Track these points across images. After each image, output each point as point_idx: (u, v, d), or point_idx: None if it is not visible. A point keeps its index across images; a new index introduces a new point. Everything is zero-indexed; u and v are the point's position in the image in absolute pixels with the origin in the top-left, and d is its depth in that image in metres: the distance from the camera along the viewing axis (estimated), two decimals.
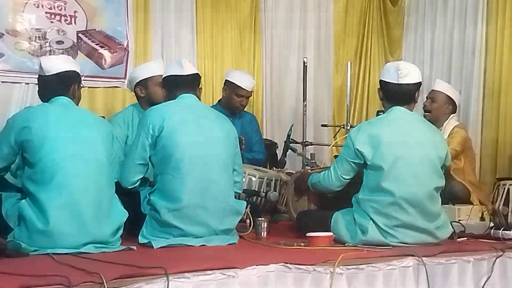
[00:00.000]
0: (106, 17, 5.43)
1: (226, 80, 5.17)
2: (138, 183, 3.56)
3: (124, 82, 5.43)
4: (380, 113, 4.68)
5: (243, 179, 3.98)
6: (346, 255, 3.00)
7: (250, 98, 5.33)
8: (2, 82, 5.01)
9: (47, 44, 5.17)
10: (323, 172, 3.75)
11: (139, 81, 4.35)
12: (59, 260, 2.82)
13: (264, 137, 5.75)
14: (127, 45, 5.50)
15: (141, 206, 3.54)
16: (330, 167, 3.77)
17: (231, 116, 4.75)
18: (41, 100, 3.46)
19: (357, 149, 3.50)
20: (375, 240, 3.43)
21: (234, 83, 5.06)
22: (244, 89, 5.05)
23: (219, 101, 5.28)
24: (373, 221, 3.45)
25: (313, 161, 4.93)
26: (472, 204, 4.44)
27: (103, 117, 4.10)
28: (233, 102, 5.08)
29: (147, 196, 3.51)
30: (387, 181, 3.44)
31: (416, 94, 3.66)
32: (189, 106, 3.64)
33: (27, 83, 5.05)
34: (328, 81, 6.50)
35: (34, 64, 5.01)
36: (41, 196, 3.05)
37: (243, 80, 5.06)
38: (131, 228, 3.44)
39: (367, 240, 3.44)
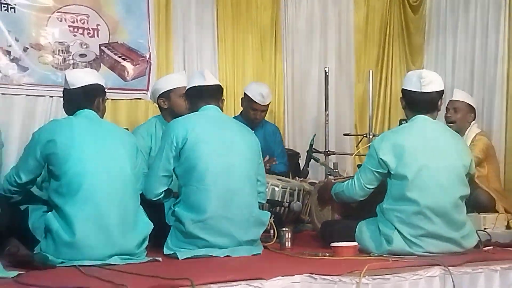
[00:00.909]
0: (128, 30, 5.46)
1: (244, 92, 5.21)
2: (162, 194, 3.58)
3: (146, 94, 5.48)
4: (402, 122, 4.65)
5: (266, 189, 3.98)
6: (372, 265, 2.98)
7: (270, 109, 5.33)
8: (27, 95, 5.05)
9: (71, 57, 5.22)
10: (347, 181, 3.74)
11: (162, 93, 4.36)
12: (85, 272, 2.85)
13: (286, 147, 5.75)
14: (149, 57, 5.52)
15: (165, 218, 3.55)
16: (353, 176, 3.76)
17: (253, 127, 4.75)
18: (66, 113, 3.49)
19: (380, 158, 3.49)
20: (400, 250, 3.41)
21: (249, 96, 5.08)
22: (257, 103, 5.04)
23: (241, 112, 5.30)
24: (398, 231, 3.43)
25: (336, 170, 4.91)
26: (498, 212, 4.40)
27: (127, 129, 4.14)
28: (249, 114, 5.10)
29: (172, 207, 3.52)
30: (412, 191, 3.42)
31: (439, 102, 3.64)
32: (212, 118, 3.65)
33: (51, 96, 5.09)
34: (350, 90, 6.49)
35: (58, 77, 5.09)
36: (67, 209, 3.07)
37: (256, 94, 5.05)
38: (156, 240, 3.45)
39: (392, 250, 3.42)
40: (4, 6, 4.92)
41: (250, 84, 5.29)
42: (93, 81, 3.42)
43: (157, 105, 4.51)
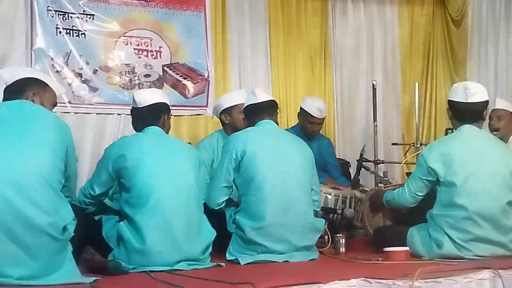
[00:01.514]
0: (188, 51, 5.53)
1: (300, 106, 5.16)
2: (223, 204, 3.61)
3: (206, 110, 5.54)
4: (448, 131, 4.59)
5: (320, 197, 3.97)
6: (424, 269, 2.93)
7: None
8: (97, 114, 5.17)
9: (136, 77, 5.31)
10: (397, 189, 3.71)
11: (225, 109, 4.38)
12: (155, 277, 2.89)
13: (337, 156, 5.71)
14: (208, 75, 5.57)
15: (227, 225, 3.57)
16: (403, 184, 3.72)
17: (308, 139, 4.75)
18: (135, 130, 3.54)
19: (429, 166, 3.44)
20: (450, 254, 3.35)
21: (306, 111, 5.03)
22: (314, 116, 5.00)
23: (297, 124, 5.26)
24: (448, 236, 3.37)
25: (386, 178, 4.86)
26: None
27: (189, 143, 4.18)
28: (306, 128, 5.07)
29: (233, 215, 3.55)
30: (460, 197, 3.36)
31: (484, 112, 3.59)
32: (268, 131, 3.68)
33: (119, 114, 5.21)
34: (396, 102, 6.43)
35: (125, 96, 5.20)
36: (137, 218, 3.11)
37: (313, 108, 4.99)
38: (219, 246, 3.47)
39: (442, 254, 3.37)
40: (75, 33, 5.06)
41: (306, 98, 5.23)
42: (158, 100, 3.48)
43: (219, 120, 4.54)
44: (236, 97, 4.37)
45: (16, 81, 3.05)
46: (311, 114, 4.98)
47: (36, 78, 3.12)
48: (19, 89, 3.02)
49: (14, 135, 2.76)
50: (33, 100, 3.02)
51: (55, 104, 3.22)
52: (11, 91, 3.02)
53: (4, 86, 3.07)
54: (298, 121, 5.22)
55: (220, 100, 4.55)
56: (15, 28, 4.89)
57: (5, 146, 2.71)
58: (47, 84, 3.14)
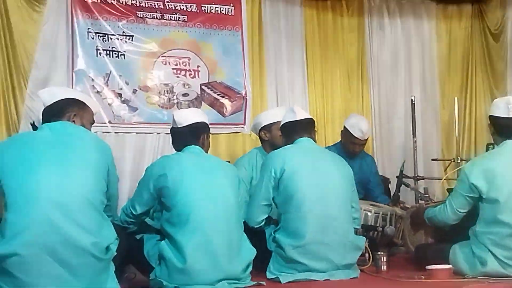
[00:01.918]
0: (225, 69, 5.58)
1: (344, 125, 5.05)
2: (263, 222, 3.61)
3: (243, 127, 5.57)
4: (490, 147, 4.52)
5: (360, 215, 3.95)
6: (468, 287, 2.89)
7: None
8: (137, 133, 5.23)
9: (175, 97, 5.37)
10: (439, 206, 3.66)
11: (264, 126, 4.38)
12: None
13: None
14: (245, 93, 5.61)
15: (267, 244, 3.57)
16: (445, 201, 3.67)
17: (351, 157, 4.72)
18: (175, 149, 3.55)
19: (472, 183, 3.39)
20: (494, 272, 3.30)
21: (348, 131, 4.93)
22: (356, 137, 4.90)
23: (340, 142, 5.15)
24: (492, 253, 3.32)
25: (427, 195, 4.79)
26: None
27: (228, 161, 4.19)
28: (348, 147, 4.98)
29: (272, 234, 3.54)
30: (504, 214, 3.31)
31: None
32: (306, 149, 3.67)
33: (158, 133, 5.27)
34: (435, 117, 6.36)
35: (164, 116, 5.26)
36: (178, 237, 3.12)
37: (357, 130, 4.87)
38: (259, 264, 3.47)
39: (486, 272, 3.31)
40: (115, 54, 5.15)
41: (351, 117, 5.09)
42: (198, 119, 3.50)
43: (257, 137, 4.55)
44: (276, 114, 4.35)
45: (55, 102, 3.07)
46: (353, 135, 4.90)
47: (75, 99, 3.15)
48: (60, 110, 3.04)
49: (58, 157, 2.79)
50: (74, 121, 3.05)
51: (93, 122, 3.25)
52: (51, 113, 3.04)
53: (43, 107, 3.10)
54: (341, 138, 5.15)
55: (259, 117, 4.55)
56: (57, 50, 5.00)
57: (49, 168, 2.74)
58: (85, 104, 3.17)
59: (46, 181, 2.70)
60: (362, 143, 4.99)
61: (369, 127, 5.05)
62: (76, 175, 2.77)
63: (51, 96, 3.10)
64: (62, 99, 3.09)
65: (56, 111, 3.03)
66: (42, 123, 3.03)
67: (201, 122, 3.52)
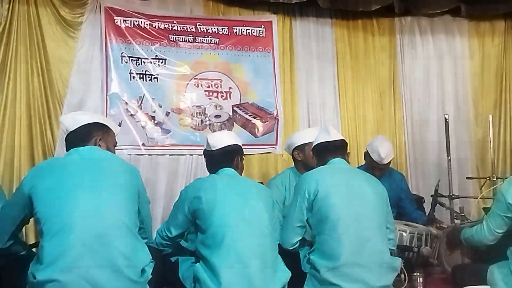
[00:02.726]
0: (257, 90, 5.64)
1: (366, 148, 5.02)
2: (297, 244, 3.57)
3: (275, 148, 5.60)
4: None
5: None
6: None
7: (394, 157, 5.21)
8: (170, 155, 5.30)
9: (207, 118, 5.44)
10: (476, 226, 3.62)
11: (297, 146, 4.37)
12: None
13: (411, 192, 5.61)
14: (277, 114, 5.65)
15: (301, 265, 3.55)
16: (481, 221, 3.63)
17: (379, 176, 4.68)
18: (209, 172, 3.60)
19: (509, 203, 3.35)
20: None
21: (369, 154, 4.90)
22: (375, 161, 4.84)
23: (365, 164, 5.11)
24: None
25: (463, 214, 4.73)
26: None
27: (261, 183, 4.21)
28: (370, 170, 4.92)
29: (307, 255, 3.52)
30: None
31: None
32: (340, 170, 3.65)
33: (191, 155, 5.33)
34: (469, 135, 6.29)
35: (197, 138, 5.33)
36: (213, 259, 3.13)
37: (375, 154, 4.82)
38: (294, 286, 3.44)
39: None
40: (148, 77, 5.25)
41: (373, 142, 5.00)
42: (231, 142, 3.54)
43: (289, 157, 4.55)
44: (309, 135, 4.34)
45: (80, 127, 3.09)
46: (372, 159, 4.86)
47: (99, 123, 3.18)
48: (85, 135, 3.07)
49: (90, 182, 2.82)
50: (99, 145, 3.09)
51: (115, 144, 3.27)
52: (77, 138, 3.06)
53: (67, 133, 3.12)
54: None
55: (293, 137, 4.55)
56: (91, 74, 5.12)
57: (83, 193, 2.78)
58: (108, 127, 3.21)
59: (81, 206, 2.74)
60: (382, 167, 4.88)
61: (391, 151, 4.91)
62: (109, 199, 2.81)
63: (74, 121, 3.12)
64: (86, 124, 3.11)
65: (81, 136, 3.06)
66: (67, 148, 3.07)
67: (235, 145, 3.56)
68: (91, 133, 3.09)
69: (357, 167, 4.96)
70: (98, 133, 3.12)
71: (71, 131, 3.10)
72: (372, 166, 4.86)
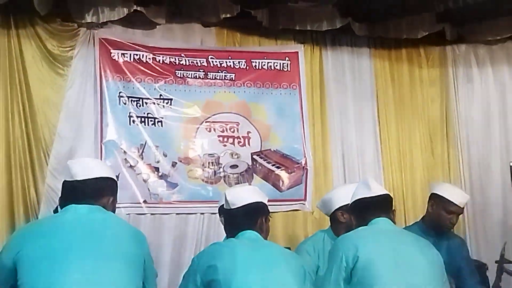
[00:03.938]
0: (280, 134, 5.73)
1: (433, 193, 4.87)
2: None
3: (304, 204, 5.65)
4: None
5: None
6: None
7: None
8: (177, 214, 5.36)
9: (221, 169, 5.51)
10: None
11: (344, 205, 4.24)
12: None
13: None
14: (305, 163, 5.71)
15: None
16: None
17: (436, 238, 4.68)
18: (227, 235, 3.63)
19: None
20: None
21: (445, 198, 4.75)
22: (456, 205, 4.72)
23: (422, 218, 4.96)
24: None
25: None
26: None
27: (288, 248, 4.22)
28: (442, 219, 4.77)
29: None
30: None
31: None
32: (384, 232, 3.64)
33: (202, 213, 5.39)
34: None
35: (209, 192, 5.39)
36: None
37: (454, 195, 4.74)
38: None
39: None
40: (151, 121, 5.36)
41: (440, 184, 5.00)
42: (255, 199, 3.54)
43: (325, 217, 4.51)
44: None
45: (91, 180, 3.08)
46: (452, 202, 4.72)
47: (114, 180, 3.23)
48: (96, 191, 3.08)
49: (87, 250, 2.84)
50: (108, 207, 3.10)
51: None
52: (81, 191, 3.04)
53: (70, 180, 3.08)
54: (425, 215, 5.08)
55: (336, 193, 4.44)
56: (83, 118, 5.23)
57: (77, 264, 2.80)
58: (117, 184, 3.27)
59: (73, 279, 2.76)
60: (461, 213, 4.84)
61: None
62: (108, 272, 2.83)
63: (85, 170, 3.11)
64: (100, 178, 3.12)
65: (90, 191, 3.05)
66: (63, 200, 3.08)
67: (259, 202, 3.55)
68: (104, 191, 3.12)
69: (410, 226, 4.96)
70: (111, 191, 3.17)
71: (78, 181, 3.07)
72: (450, 212, 4.75)
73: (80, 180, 3.07)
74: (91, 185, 3.08)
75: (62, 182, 3.16)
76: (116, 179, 3.27)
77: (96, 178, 3.11)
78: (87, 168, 3.14)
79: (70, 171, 3.11)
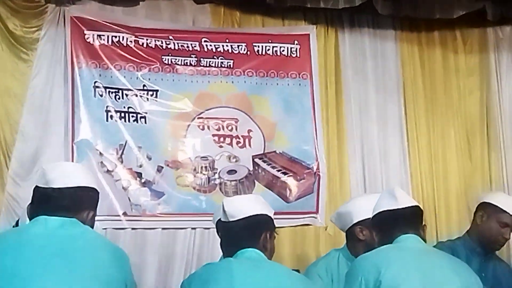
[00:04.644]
0: (288, 133, 5.75)
1: (483, 202, 4.88)
2: None
3: (316, 217, 5.67)
4: None
5: None
6: None
7: None
8: (163, 228, 5.37)
9: (216, 175, 5.52)
10: None
11: (363, 220, 4.26)
12: None
13: None
14: (317, 168, 5.73)
15: None
16: None
17: (485, 257, 4.67)
18: (223, 254, 3.62)
19: None
20: None
21: (499, 207, 4.76)
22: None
23: (467, 232, 4.95)
24: None
25: None
26: None
27: (297, 270, 4.23)
28: (493, 233, 4.77)
29: None
30: None
31: None
32: (411, 251, 3.64)
33: (193, 228, 5.39)
34: None
35: (202, 203, 5.41)
36: None
37: (510, 203, 4.77)
38: None
39: None
40: (132, 116, 5.40)
41: (492, 192, 5.04)
42: (258, 211, 3.54)
43: (342, 233, 4.50)
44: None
45: (70, 188, 3.10)
46: (507, 212, 4.72)
47: (95, 190, 3.24)
48: (73, 204, 3.08)
49: (56, 271, 2.85)
50: (89, 223, 3.13)
51: None
52: (58, 202, 3.05)
53: (44, 186, 3.09)
54: (470, 228, 4.94)
55: (354, 205, 4.43)
56: (50, 113, 5.27)
57: (45, 286, 2.81)
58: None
59: None
60: None
61: None
62: None
63: (64, 177, 3.12)
64: (80, 187, 3.14)
65: (67, 202, 3.07)
66: (33, 209, 3.09)
67: (263, 215, 3.56)
68: (83, 203, 3.14)
69: (453, 241, 4.95)
70: (92, 204, 3.20)
71: (53, 188, 3.08)
72: (502, 224, 4.74)
73: (56, 188, 3.09)
74: (69, 195, 3.09)
75: (32, 187, 3.15)
76: (98, 190, 3.26)
77: (76, 187, 3.12)
78: (66, 174, 3.16)
79: (45, 176, 3.12)
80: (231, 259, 3.49)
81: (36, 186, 3.14)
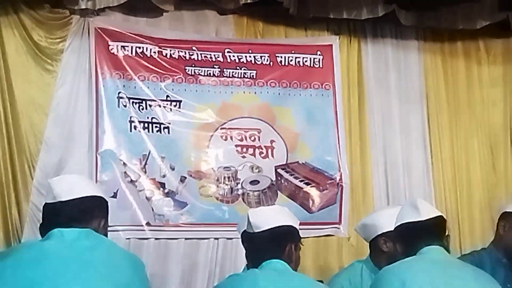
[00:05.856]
0: (311, 144, 5.78)
1: (505, 212, 4.81)
2: None
3: (339, 228, 5.69)
4: None
5: None
6: None
7: None
8: (186, 238, 5.40)
9: (239, 185, 5.56)
10: None
11: (388, 232, 4.22)
12: None
13: None
14: (340, 178, 5.75)
15: None
16: None
17: (508, 267, 4.57)
18: (248, 264, 3.64)
19: None
20: None
21: None
22: None
23: (492, 242, 4.87)
24: None
25: None
26: None
27: (321, 281, 4.25)
28: None
29: None
30: None
31: None
32: (435, 262, 3.63)
33: (216, 238, 5.42)
34: None
35: (224, 213, 5.44)
36: None
37: None
38: None
39: None
40: (156, 127, 5.44)
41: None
42: (283, 222, 3.56)
43: (366, 244, 4.47)
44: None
45: (78, 199, 3.13)
46: None
47: (103, 198, 3.27)
48: (85, 213, 3.12)
49: (75, 283, 2.86)
50: (100, 231, 3.15)
51: None
52: (68, 215, 3.08)
53: (52, 202, 3.12)
54: (494, 238, 4.86)
55: (382, 216, 4.40)
56: (75, 123, 5.30)
57: None
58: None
59: None
60: None
61: None
62: None
63: (69, 189, 3.16)
64: (87, 197, 3.17)
65: (77, 213, 3.10)
66: (45, 227, 3.11)
67: (288, 226, 3.58)
68: (93, 212, 3.16)
69: (478, 252, 4.95)
70: (102, 212, 3.22)
71: (61, 202, 3.11)
72: None
73: (64, 201, 3.12)
74: (77, 206, 3.12)
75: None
76: (105, 198, 3.29)
77: (83, 197, 3.16)
78: (71, 186, 3.19)
79: (52, 191, 3.15)
80: (256, 270, 3.49)
81: (45, 203, 3.18)
